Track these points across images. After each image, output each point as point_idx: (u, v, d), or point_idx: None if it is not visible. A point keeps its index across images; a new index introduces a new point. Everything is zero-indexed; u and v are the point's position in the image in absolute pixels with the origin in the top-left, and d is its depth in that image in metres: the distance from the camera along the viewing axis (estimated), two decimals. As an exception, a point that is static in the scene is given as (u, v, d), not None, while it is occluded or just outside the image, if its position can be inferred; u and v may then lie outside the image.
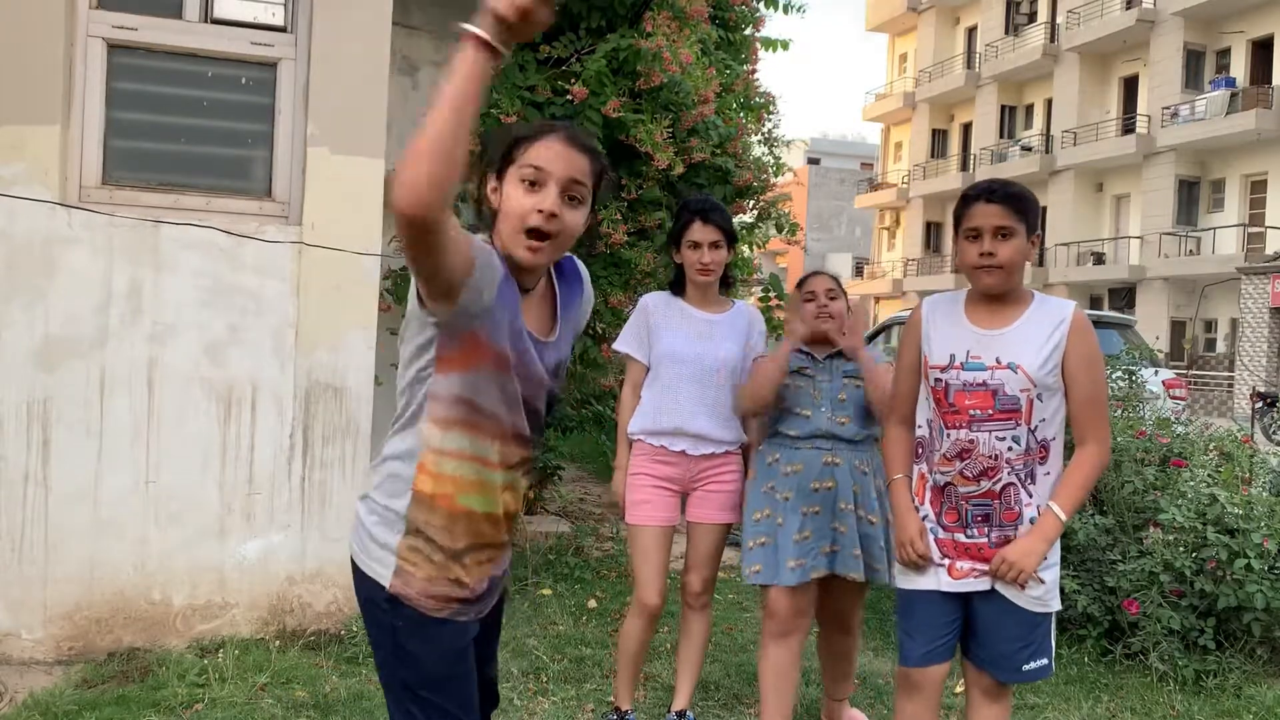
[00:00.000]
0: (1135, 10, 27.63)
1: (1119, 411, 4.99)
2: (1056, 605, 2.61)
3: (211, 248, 3.95)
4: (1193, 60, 27.19)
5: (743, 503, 3.37)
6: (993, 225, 2.49)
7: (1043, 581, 2.54)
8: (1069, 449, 2.56)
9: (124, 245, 3.87)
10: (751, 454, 3.42)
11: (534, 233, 1.75)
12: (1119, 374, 5.21)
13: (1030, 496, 2.52)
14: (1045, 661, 2.61)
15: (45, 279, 3.78)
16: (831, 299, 3.31)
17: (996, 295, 2.55)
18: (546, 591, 4.95)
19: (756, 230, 6.58)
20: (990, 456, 2.50)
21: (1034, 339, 2.49)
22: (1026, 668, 2.59)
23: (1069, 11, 30.16)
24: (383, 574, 1.80)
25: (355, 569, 1.86)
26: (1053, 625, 2.63)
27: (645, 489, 3.35)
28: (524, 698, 3.68)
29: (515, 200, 1.77)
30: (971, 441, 2.52)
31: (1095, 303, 28.78)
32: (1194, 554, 4.12)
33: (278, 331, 4.02)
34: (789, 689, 3.24)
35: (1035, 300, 2.58)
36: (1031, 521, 2.51)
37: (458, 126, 1.48)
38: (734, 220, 3.97)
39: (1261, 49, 25.89)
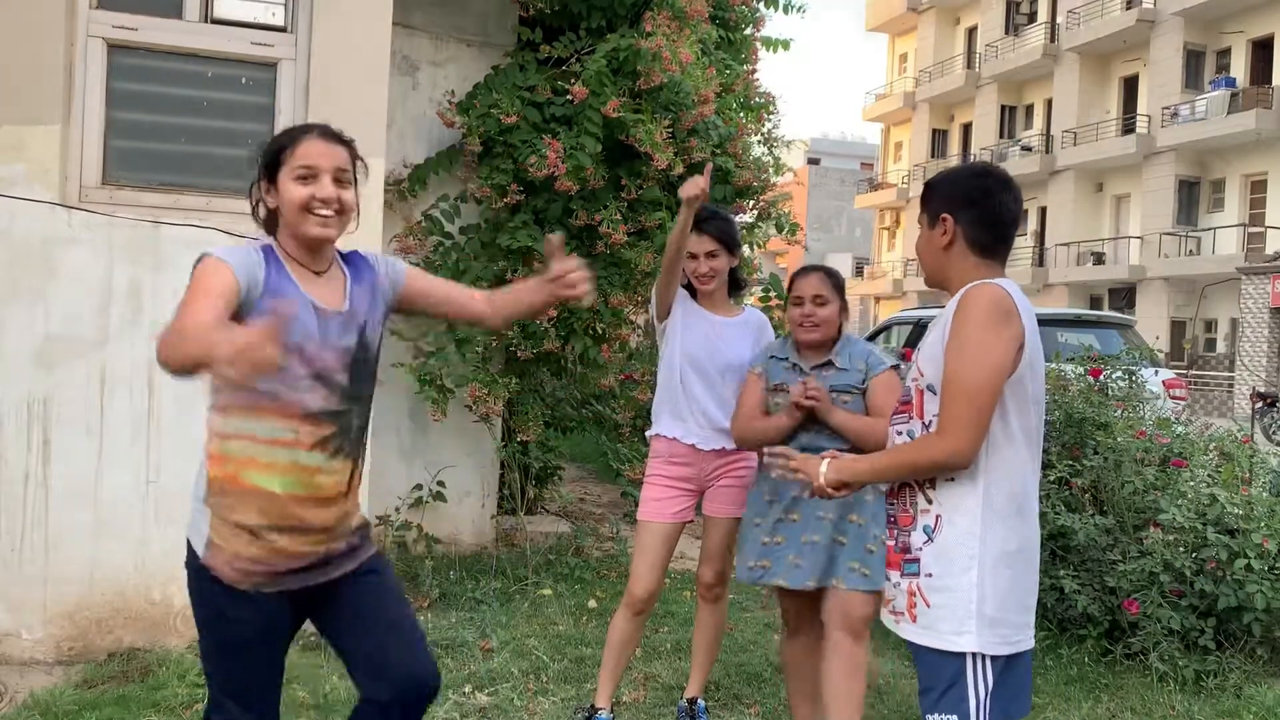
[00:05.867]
0: (1135, 10, 27.61)
1: (1119, 412, 4.98)
2: (955, 645, 2.09)
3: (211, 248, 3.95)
4: (1193, 60, 27.17)
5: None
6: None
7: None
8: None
9: (124, 245, 3.87)
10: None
11: (317, 214, 2.09)
12: (1119, 374, 5.20)
13: (929, 503, 2.15)
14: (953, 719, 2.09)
15: (45, 279, 3.78)
16: (819, 305, 3.10)
17: (948, 291, 2.27)
18: (546, 591, 4.95)
19: (756, 230, 6.57)
20: None
21: (936, 327, 2.22)
22: (929, 718, 2.13)
23: (1069, 11, 30.14)
24: (197, 543, 2.09)
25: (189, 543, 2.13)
26: (972, 675, 2.09)
27: (660, 488, 3.41)
28: (524, 698, 3.68)
29: (294, 193, 2.08)
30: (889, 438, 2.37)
31: (1095, 303, 28.77)
32: (1194, 554, 4.12)
33: (278, 331, 4.01)
34: (808, 682, 3.25)
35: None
36: (925, 530, 2.15)
37: (183, 359, 1.74)
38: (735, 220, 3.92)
39: (1261, 49, 25.88)
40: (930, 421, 2.15)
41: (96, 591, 3.86)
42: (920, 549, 2.16)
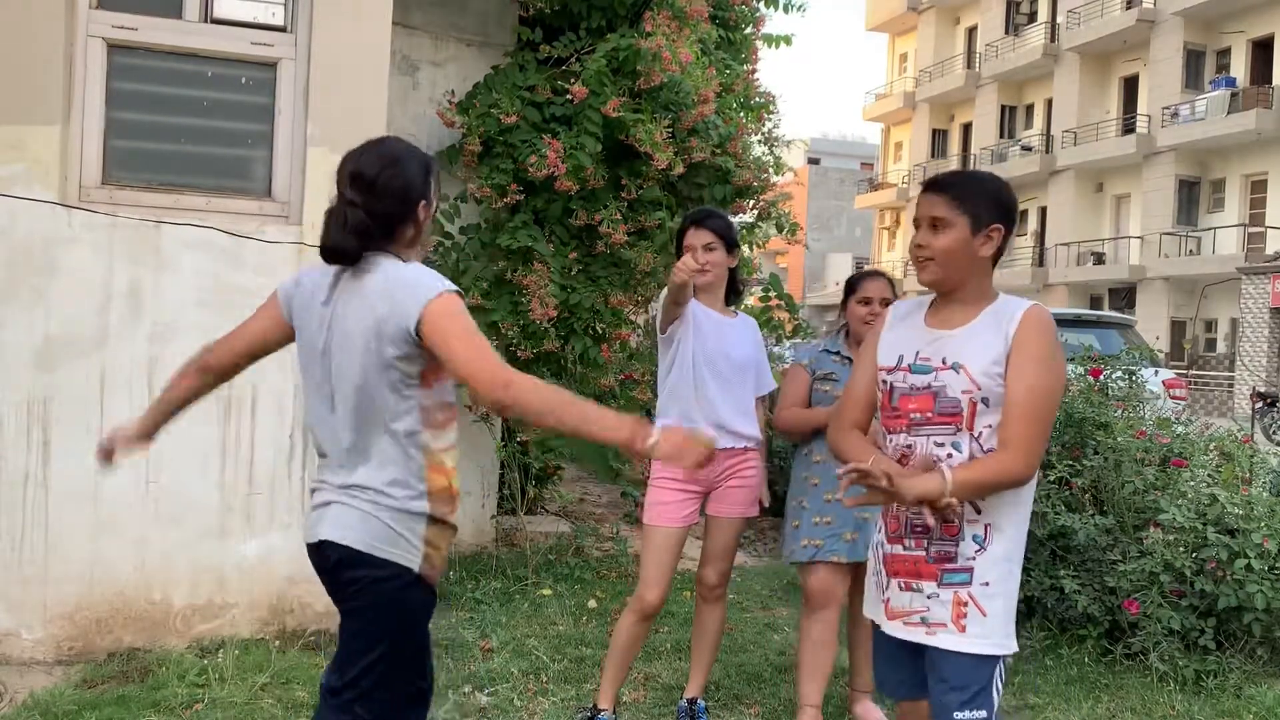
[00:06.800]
0: (1135, 10, 27.60)
1: (1119, 412, 4.98)
2: (1006, 648, 2.26)
3: (212, 248, 3.95)
4: (1193, 60, 27.16)
5: (781, 494, 3.60)
6: (929, 216, 2.28)
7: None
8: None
9: (124, 245, 3.87)
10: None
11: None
12: (1119, 374, 5.20)
13: (978, 512, 2.23)
14: (983, 715, 2.22)
15: (45, 279, 3.78)
16: (886, 306, 3.36)
17: (953, 294, 2.32)
18: (546, 591, 4.95)
19: (756, 230, 6.57)
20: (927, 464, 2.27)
21: (984, 338, 2.25)
22: (958, 716, 2.22)
23: (1069, 11, 30.13)
24: (412, 560, 2.17)
25: (367, 558, 2.15)
26: (998, 674, 2.26)
27: (667, 491, 3.40)
28: (524, 698, 3.68)
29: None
30: (909, 447, 2.30)
31: (1095, 303, 28.77)
32: (1194, 554, 4.12)
33: (278, 331, 4.02)
34: (822, 662, 3.43)
35: (998, 300, 2.31)
36: (975, 539, 2.23)
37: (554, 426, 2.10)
38: (734, 220, 3.96)
39: (1261, 49, 25.87)
40: (981, 433, 2.22)
41: (96, 591, 3.86)
42: (973, 557, 2.23)
